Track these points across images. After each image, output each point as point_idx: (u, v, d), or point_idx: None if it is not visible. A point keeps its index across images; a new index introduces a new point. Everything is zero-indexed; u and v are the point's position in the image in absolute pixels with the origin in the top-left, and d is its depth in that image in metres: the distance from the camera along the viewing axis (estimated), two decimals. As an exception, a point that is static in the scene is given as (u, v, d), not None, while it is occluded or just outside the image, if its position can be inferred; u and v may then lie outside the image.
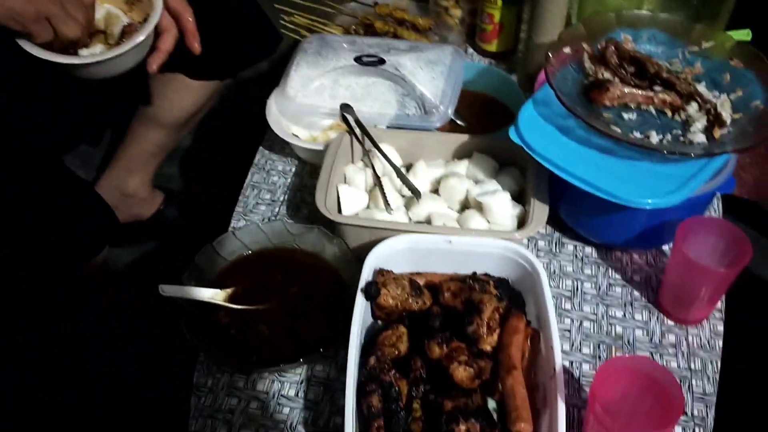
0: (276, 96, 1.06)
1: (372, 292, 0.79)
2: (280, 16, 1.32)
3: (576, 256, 0.95)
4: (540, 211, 0.86)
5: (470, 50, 1.27)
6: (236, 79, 1.42)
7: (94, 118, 1.73)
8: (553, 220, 0.95)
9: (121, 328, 1.32)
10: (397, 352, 0.78)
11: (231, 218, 1.02)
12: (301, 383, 0.82)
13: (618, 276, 0.93)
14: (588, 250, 0.96)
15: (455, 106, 1.02)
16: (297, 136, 1.05)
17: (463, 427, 0.71)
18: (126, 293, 1.37)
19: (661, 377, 0.68)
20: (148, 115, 1.40)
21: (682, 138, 0.83)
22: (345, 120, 0.99)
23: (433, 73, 1.03)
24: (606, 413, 0.66)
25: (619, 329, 0.87)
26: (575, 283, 0.92)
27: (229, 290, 0.87)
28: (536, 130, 0.86)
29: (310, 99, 1.04)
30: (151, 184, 1.52)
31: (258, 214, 1.02)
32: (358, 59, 1.05)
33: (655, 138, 0.82)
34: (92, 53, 0.90)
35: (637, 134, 0.83)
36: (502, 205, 0.88)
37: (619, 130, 0.83)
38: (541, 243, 0.97)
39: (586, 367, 0.84)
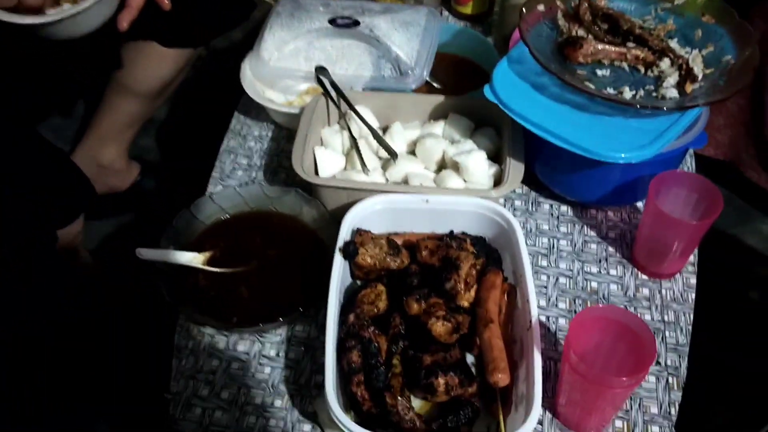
0: (250, 60, 1.05)
1: (350, 251, 0.80)
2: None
3: (552, 214, 0.96)
4: (516, 169, 0.87)
5: (445, 13, 1.27)
6: (210, 47, 1.41)
7: (65, 87, 1.71)
8: (529, 180, 0.96)
9: (99, 296, 1.32)
10: (376, 310, 0.79)
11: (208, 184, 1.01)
12: (281, 343, 0.83)
13: (593, 233, 0.94)
14: (564, 208, 0.97)
15: (431, 67, 1.01)
16: (272, 100, 1.05)
17: (441, 380, 0.72)
18: (104, 262, 1.37)
19: (634, 325, 0.70)
20: (121, 85, 1.38)
21: (654, 93, 0.84)
22: (320, 83, 0.99)
23: (408, 35, 1.02)
24: (581, 361, 0.67)
25: (594, 284, 0.89)
26: (551, 240, 0.93)
27: (207, 253, 0.87)
28: (511, 87, 0.86)
29: (284, 62, 1.03)
30: (127, 156, 1.50)
31: (235, 180, 1.02)
32: (332, 21, 1.04)
33: (628, 93, 0.83)
34: (58, 12, 0.89)
35: (611, 90, 0.84)
36: (478, 164, 0.88)
37: (592, 86, 0.83)
38: (517, 202, 0.97)
39: (562, 321, 0.85)
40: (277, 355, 0.82)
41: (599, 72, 0.87)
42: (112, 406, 1.22)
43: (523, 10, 0.89)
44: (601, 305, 0.85)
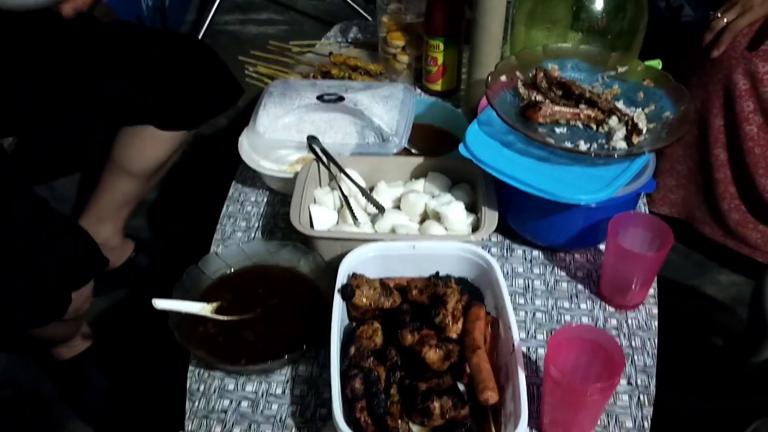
0: (247, 133, 1.17)
1: (348, 293, 0.89)
2: (245, 67, 1.44)
3: (525, 258, 1.07)
4: (491, 216, 0.98)
5: (418, 90, 1.41)
6: (200, 130, 1.52)
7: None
8: (503, 229, 1.07)
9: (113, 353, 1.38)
10: (373, 345, 0.87)
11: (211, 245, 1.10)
12: (286, 382, 0.90)
13: (563, 273, 1.04)
14: (535, 252, 1.07)
15: (409, 135, 1.14)
16: (269, 168, 1.15)
17: (437, 404, 0.80)
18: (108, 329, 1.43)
19: (604, 341, 0.79)
20: (119, 165, 1.48)
21: (606, 145, 0.97)
22: (312, 150, 1.10)
23: (388, 107, 1.15)
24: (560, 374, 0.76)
25: (567, 317, 0.98)
26: (526, 281, 1.03)
27: (215, 304, 0.94)
28: (482, 145, 0.98)
29: (278, 134, 1.15)
30: (122, 234, 1.58)
31: (235, 240, 1.11)
32: (320, 97, 1.17)
33: (583, 146, 0.96)
34: None
35: (569, 144, 0.96)
36: (457, 213, 0.99)
37: (552, 141, 0.96)
38: (493, 250, 1.08)
39: (541, 351, 0.94)
40: (283, 392, 0.89)
41: (557, 130, 1.00)
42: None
43: (489, 79, 1.02)
44: (574, 325, 0.94)
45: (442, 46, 1.31)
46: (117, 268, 1.60)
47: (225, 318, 0.93)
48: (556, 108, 1.00)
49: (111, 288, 1.60)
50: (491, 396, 0.79)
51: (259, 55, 1.44)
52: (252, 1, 2.86)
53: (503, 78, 1.05)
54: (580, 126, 1.01)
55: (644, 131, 0.98)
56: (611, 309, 0.99)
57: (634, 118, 0.98)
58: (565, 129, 1.00)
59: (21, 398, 1.43)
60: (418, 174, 1.10)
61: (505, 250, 1.08)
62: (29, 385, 1.46)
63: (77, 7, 1.00)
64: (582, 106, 1.02)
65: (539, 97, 1.03)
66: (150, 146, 1.46)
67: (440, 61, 1.33)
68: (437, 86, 1.37)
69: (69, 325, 1.26)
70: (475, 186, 1.05)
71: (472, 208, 1.04)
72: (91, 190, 1.54)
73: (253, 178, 1.21)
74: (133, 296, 1.63)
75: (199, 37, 2.43)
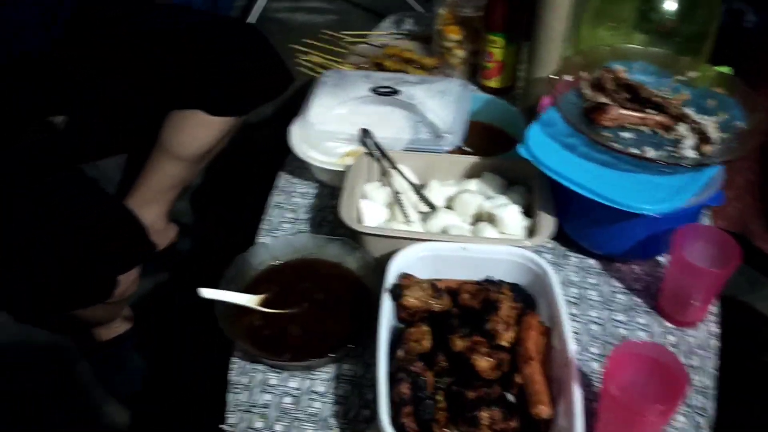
0: (298, 123, 1.15)
1: (397, 293, 0.86)
2: (295, 55, 1.42)
3: (580, 267, 1.03)
4: (547, 221, 0.94)
5: (473, 86, 1.37)
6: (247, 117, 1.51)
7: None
8: (558, 236, 1.03)
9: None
10: (421, 348, 0.84)
11: (254, 238, 1.09)
12: (330, 380, 0.88)
13: (620, 284, 1.00)
14: (591, 261, 1.03)
15: (463, 132, 1.10)
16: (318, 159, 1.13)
17: (485, 414, 0.77)
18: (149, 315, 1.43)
19: (666, 359, 0.75)
20: (167, 149, 1.47)
21: (674, 153, 0.92)
22: (364, 143, 1.07)
23: (443, 103, 1.12)
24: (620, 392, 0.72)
25: (623, 331, 0.94)
26: (581, 290, 0.99)
27: (261, 296, 0.93)
28: (543, 147, 0.94)
29: (330, 126, 1.12)
30: (167, 217, 1.58)
31: (282, 232, 1.09)
32: (374, 90, 1.14)
33: (651, 152, 0.91)
34: None
35: (635, 150, 0.92)
36: (513, 216, 0.95)
37: (618, 146, 0.91)
38: (547, 256, 1.04)
39: (594, 365, 0.90)
40: (327, 391, 0.87)
41: (623, 134, 0.96)
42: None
43: (553, 78, 0.98)
44: (636, 341, 0.90)
45: (500, 42, 1.27)
46: (160, 252, 1.60)
47: (271, 311, 0.91)
48: (623, 111, 0.96)
49: (153, 271, 1.61)
50: (544, 410, 0.75)
51: (311, 43, 1.42)
52: (303, -12, 2.85)
53: (568, 77, 1.01)
54: (647, 131, 0.96)
55: (715, 140, 0.93)
56: (669, 325, 0.95)
57: (705, 127, 0.94)
58: (632, 134, 0.96)
59: (58, 378, 1.44)
60: (471, 173, 1.06)
61: (559, 257, 1.04)
62: (67, 365, 1.46)
63: None
64: (650, 110, 0.97)
65: (605, 99, 0.99)
66: (198, 131, 1.45)
67: (498, 57, 1.29)
68: (493, 83, 1.33)
69: (112, 307, 1.26)
70: (531, 188, 1.02)
71: (527, 211, 1.01)
72: (137, 172, 1.54)
73: (302, 169, 1.19)
74: (174, 280, 1.63)
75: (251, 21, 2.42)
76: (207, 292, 0.88)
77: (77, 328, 1.38)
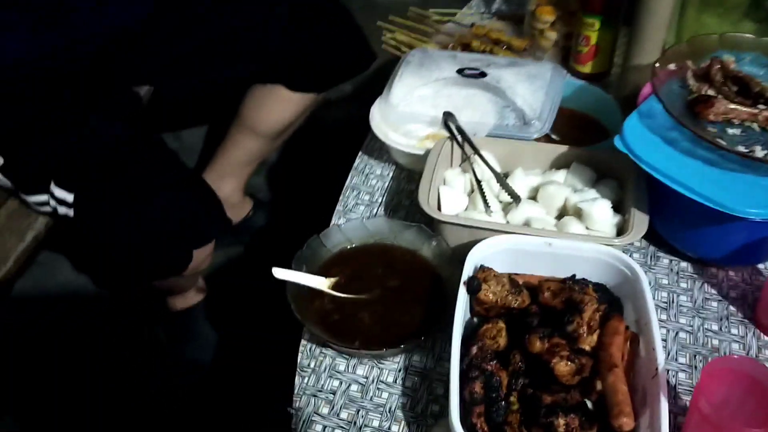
0: (379, 104, 1.11)
1: (474, 286, 0.82)
2: (382, 32, 1.38)
3: (671, 270, 0.96)
4: (640, 219, 0.88)
5: (563, 70, 1.30)
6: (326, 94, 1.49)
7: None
8: (649, 234, 0.96)
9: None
10: (496, 346, 0.80)
11: (331, 217, 1.06)
12: (399, 371, 0.85)
13: (714, 291, 0.93)
14: (683, 264, 0.97)
15: (553, 120, 1.05)
16: (398, 142, 1.10)
17: (562, 421, 0.73)
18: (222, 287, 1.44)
19: (765, 378, 0.68)
20: (246, 124, 1.48)
21: (788, 154, 0.84)
22: (447, 127, 1.03)
23: (533, 87, 1.06)
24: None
25: (715, 342, 0.87)
26: (670, 295, 0.93)
27: (333, 279, 0.91)
28: (641, 140, 0.88)
29: (412, 107, 1.08)
30: (243, 191, 1.59)
31: (357, 214, 1.07)
32: (460, 71, 1.09)
33: (760, 152, 0.84)
34: None
35: (742, 148, 0.85)
36: (602, 212, 0.90)
37: (724, 143, 0.84)
38: (636, 255, 0.98)
39: (682, 375, 0.84)
40: (395, 382, 0.84)
41: (729, 131, 0.88)
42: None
43: (656, 66, 0.91)
44: (733, 356, 0.83)
45: (597, 25, 1.20)
46: (234, 226, 1.61)
47: (342, 295, 0.89)
48: (731, 105, 0.88)
49: (226, 244, 1.62)
50: (626, 423, 0.70)
51: (397, 21, 1.38)
52: (389, -36, 2.81)
53: (671, 66, 0.94)
54: (757, 129, 0.88)
55: (835, 141, 0.84)
56: (767, 339, 0.87)
57: (825, 126, 0.85)
58: (739, 130, 0.88)
59: (131, 344, 1.47)
60: (559, 164, 1.01)
61: (649, 258, 0.98)
62: (140, 331, 1.49)
63: None
64: (761, 106, 0.89)
65: (711, 92, 0.91)
66: (278, 107, 1.45)
67: (593, 41, 1.22)
68: (586, 68, 1.26)
69: (186, 278, 1.27)
70: (623, 183, 0.96)
71: (616, 207, 0.95)
72: (217, 144, 1.55)
73: (380, 151, 1.16)
74: (248, 254, 1.64)
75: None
76: (279, 273, 0.86)
77: (152, 296, 1.41)
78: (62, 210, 1.03)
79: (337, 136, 1.94)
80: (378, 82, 1.17)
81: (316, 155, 1.89)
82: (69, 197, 1.02)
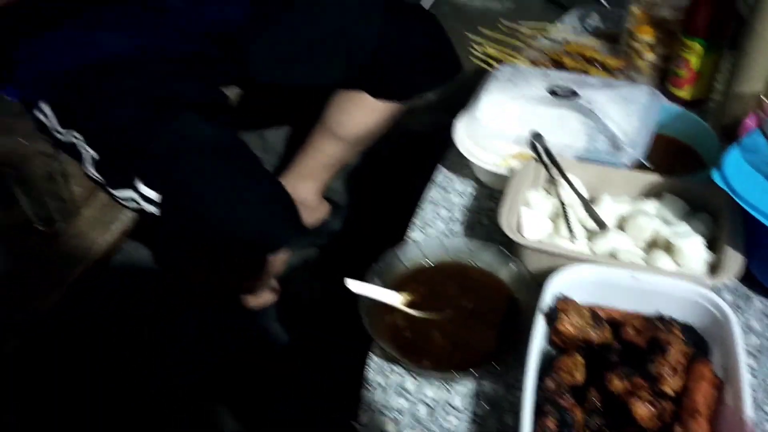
0: (464, 118, 1.10)
1: (553, 316, 0.79)
2: (470, 44, 1.36)
3: (765, 313, 0.90)
4: (735, 258, 0.83)
5: (662, 96, 1.25)
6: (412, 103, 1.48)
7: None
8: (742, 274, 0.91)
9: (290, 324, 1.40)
10: (572, 380, 0.77)
11: (406, 229, 1.05)
12: (468, 396, 0.83)
13: (811, 340, 0.87)
14: (778, 309, 0.91)
15: (647, 146, 1.00)
16: (480, 159, 1.08)
17: (637, 466, 0.69)
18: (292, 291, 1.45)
19: None
20: (329, 128, 1.48)
21: None
22: (533, 147, 1.00)
23: (627, 111, 1.02)
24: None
25: (809, 395, 0.82)
26: (762, 341, 0.87)
27: (407, 295, 0.90)
28: (741, 174, 0.83)
29: (498, 124, 1.06)
30: (321, 194, 1.60)
31: (434, 229, 1.05)
32: (550, 90, 1.06)
33: None
34: None
35: None
36: (694, 249, 0.85)
37: (836, 185, 0.79)
38: (727, 296, 0.92)
39: (770, 428, 0.79)
40: (464, 407, 0.82)
41: (842, 171, 0.82)
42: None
43: (763, 99, 0.86)
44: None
45: (699, 49, 1.14)
46: (310, 228, 1.62)
47: (415, 313, 0.88)
48: None
49: (302, 246, 1.63)
50: (708, 477, 0.66)
51: (487, 33, 1.36)
52: (481, -27, 2.78)
53: (780, 98, 0.88)
54: None
55: None
56: None
57: None
58: None
59: (201, 337, 1.50)
60: (650, 193, 0.96)
61: (741, 299, 0.92)
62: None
63: None
64: None
65: (824, 128, 0.85)
66: (361, 113, 1.44)
67: (694, 65, 1.16)
68: (684, 93, 1.20)
69: (261, 280, 1.29)
70: (718, 218, 0.91)
71: (710, 243, 0.90)
72: (298, 145, 1.56)
73: (461, 166, 1.14)
74: (322, 258, 1.65)
75: (425, 5, 2.38)
76: (354, 285, 0.86)
77: (225, 294, 1.43)
78: (147, 207, 1.06)
79: (418, 143, 1.93)
80: (463, 92, 1.15)
81: (396, 162, 1.88)
82: (154, 195, 1.05)
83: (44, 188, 1.03)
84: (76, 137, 1.11)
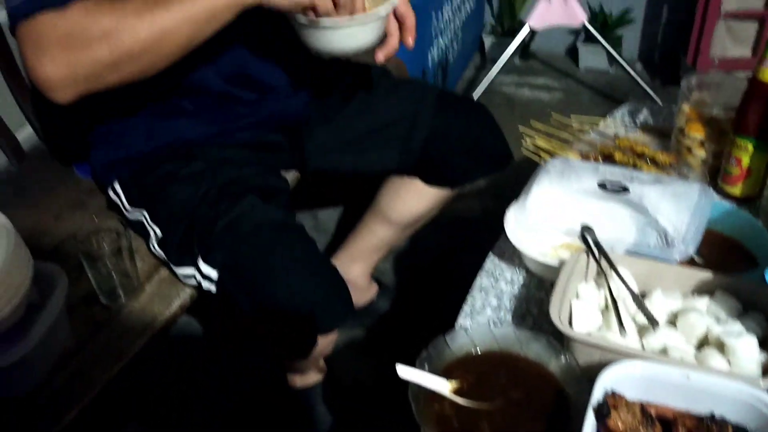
0: (515, 208, 1.12)
1: (603, 412, 0.79)
2: (521, 136, 1.40)
3: (823, 419, 0.88)
4: (790, 362, 0.82)
5: (713, 193, 1.26)
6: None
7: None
8: (798, 376, 0.89)
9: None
10: (621, 479, 0.77)
11: (456, 315, 1.07)
12: (515, 490, 0.82)
13: None
14: (838, 415, 0.88)
15: (698, 243, 1.01)
16: (530, 249, 1.10)
17: None
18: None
19: None
20: (381, 212, 1.53)
21: None
22: (584, 239, 1.02)
23: (678, 208, 1.04)
24: None
25: None
26: (822, 448, 0.85)
27: (456, 383, 0.90)
28: (795, 276, 0.83)
29: (548, 216, 1.08)
30: (370, 276, 1.63)
31: (483, 317, 1.06)
32: (601, 184, 1.09)
33: None
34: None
35: None
36: (747, 349, 0.84)
37: None
38: (782, 398, 0.90)
39: None
40: (510, 501, 0.81)
41: None
42: None
43: (816, 201, 0.86)
44: None
45: (751, 148, 1.16)
46: (358, 309, 1.64)
47: (464, 402, 0.88)
48: None
49: (349, 326, 1.65)
50: None
51: (538, 128, 1.40)
52: (531, 65, 2.86)
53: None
54: None
55: None
56: None
57: None
58: None
59: (246, 413, 1.52)
60: (702, 290, 0.96)
61: (798, 403, 0.90)
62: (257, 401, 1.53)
63: (388, 54, 1.08)
64: None
65: None
66: (413, 198, 1.49)
67: (745, 163, 1.17)
68: (735, 190, 1.21)
69: (308, 360, 1.31)
70: (771, 318, 0.90)
71: (763, 343, 0.89)
72: (350, 225, 1.60)
73: (512, 254, 1.16)
74: (369, 338, 1.66)
75: (476, 95, 2.46)
76: (404, 371, 0.87)
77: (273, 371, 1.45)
78: (206, 285, 1.11)
79: (467, 228, 1.96)
80: (513, 179, 1.18)
81: (445, 245, 1.91)
82: (213, 274, 1.09)
83: (111, 264, 1.08)
84: (144, 215, 1.18)
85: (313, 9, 0.95)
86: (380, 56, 1.10)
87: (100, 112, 1.15)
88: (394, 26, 1.10)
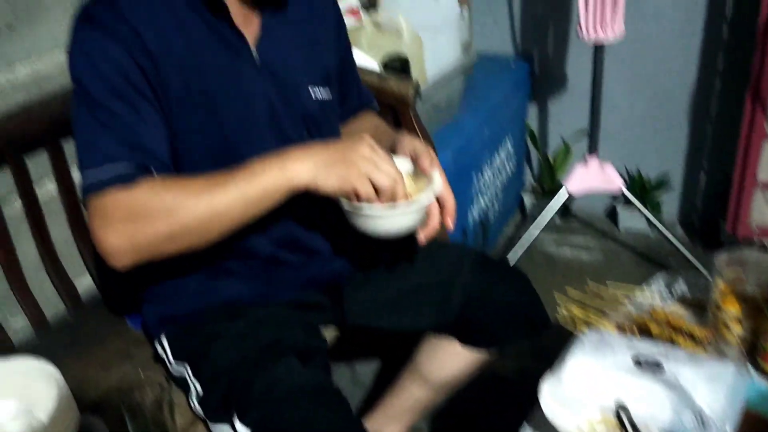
0: (551, 381, 1.13)
1: None
2: (557, 303, 1.43)
3: None
4: None
5: (748, 373, 1.25)
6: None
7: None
8: None
9: None
10: None
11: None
12: None
13: None
14: None
15: (736, 425, 0.99)
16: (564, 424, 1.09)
17: None
18: None
19: None
20: (418, 372, 1.54)
21: None
22: (618, 417, 1.01)
23: (714, 389, 1.03)
24: None
25: None
26: None
27: None
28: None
29: (583, 390, 1.09)
30: (404, 436, 1.61)
31: (517, 493, 1.04)
32: (636, 360, 1.09)
33: None
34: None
35: None
36: None
37: None
38: None
39: None
40: None
41: None
42: None
43: None
44: None
45: (787, 327, 1.16)
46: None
47: None
48: None
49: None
50: None
51: (573, 296, 1.43)
52: (571, 224, 2.92)
53: None
54: None
55: None
56: None
57: None
58: None
59: None
60: (742, 477, 0.94)
61: None
62: None
63: (429, 236, 1.14)
64: None
65: None
66: (451, 360, 1.50)
67: (782, 342, 1.17)
68: (775, 369, 1.20)
69: None
70: None
71: None
72: (387, 381, 1.61)
73: (548, 426, 1.15)
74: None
75: (516, 253, 2.49)
76: None
77: None
78: None
79: (503, 389, 1.94)
80: (551, 342, 1.18)
81: (481, 406, 1.88)
82: (248, 433, 1.11)
83: (151, 416, 1.11)
84: (187, 370, 1.22)
85: (356, 194, 1.03)
86: (421, 237, 1.16)
87: (155, 271, 1.23)
88: (435, 208, 1.16)
